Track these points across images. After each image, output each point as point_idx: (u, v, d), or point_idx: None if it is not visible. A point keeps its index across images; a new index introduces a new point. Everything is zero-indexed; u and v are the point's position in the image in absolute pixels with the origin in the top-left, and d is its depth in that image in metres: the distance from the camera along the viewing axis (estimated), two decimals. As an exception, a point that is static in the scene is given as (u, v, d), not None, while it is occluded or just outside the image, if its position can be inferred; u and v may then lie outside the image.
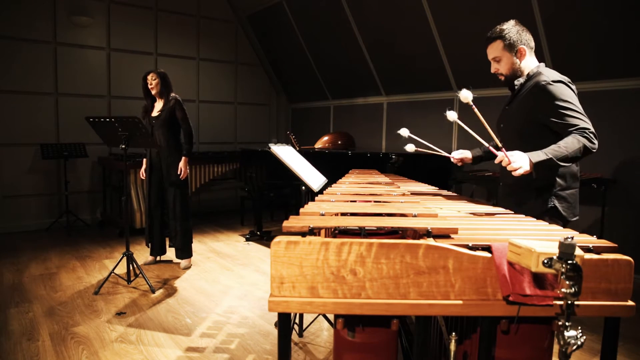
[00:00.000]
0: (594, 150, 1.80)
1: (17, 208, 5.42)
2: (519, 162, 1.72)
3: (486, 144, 2.14)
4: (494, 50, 2.04)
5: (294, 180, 2.94)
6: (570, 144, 1.77)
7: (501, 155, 1.77)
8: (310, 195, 2.71)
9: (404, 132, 2.44)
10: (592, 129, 1.82)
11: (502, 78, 2.10)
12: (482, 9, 4.19)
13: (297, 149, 4.92)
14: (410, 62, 5.27)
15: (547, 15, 3.77)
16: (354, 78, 6.20)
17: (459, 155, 2.32)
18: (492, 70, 2.12)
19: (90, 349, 2.51)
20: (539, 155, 1.75)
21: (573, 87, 1.93)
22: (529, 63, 2.05)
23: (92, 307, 3.10)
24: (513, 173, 1.73)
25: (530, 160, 1.73)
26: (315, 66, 6.66)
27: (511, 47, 2.00)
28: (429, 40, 4.81)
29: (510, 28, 2.00)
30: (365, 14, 5.35)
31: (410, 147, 2.48)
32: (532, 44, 2.05)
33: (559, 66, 3.96)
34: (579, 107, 1.87)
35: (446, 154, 2.33)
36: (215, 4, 6.90)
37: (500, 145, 1.79)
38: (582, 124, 1.81)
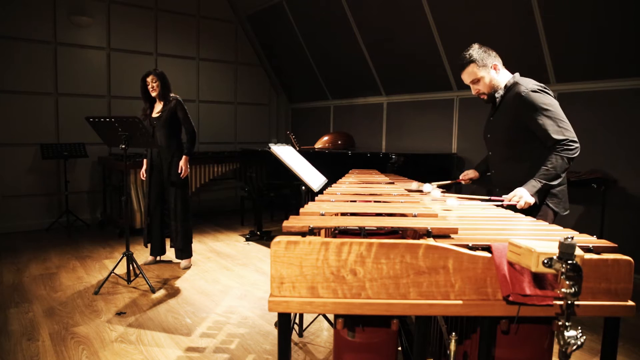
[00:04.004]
0: (577, 153, 1.98)
1: (17, 208, 5.42)
2: (517, 196, 1.94)
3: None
4: (471, 73, 2.18)
5: (294, 180, 2.94)
6: (555, 162, 1.95)
7: (505, 199, 1.96)
8: (310, 195, 2.71)
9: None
10: (572, 136, 1.98)
11: (485, 97, 2.24)
12: (482, 9, 4.18)
13: (297, 149, 4.91)
14: (410, 62, 5.26)
15: (547, 15, 3.76)
16: (354, 78, 6.19)
17: (467, 176, 2.51)
18: (474, 93, 2.25)
19: (90, 349, 2.51)
20: (534, 185, 1.95)
21: (551, 93, 2.06)
22: (504, 76, 2.20)
23: (92, 307, 3.10)
24: (518, 206, 1.93)
25: (528, 192, 1.93)
26: (315, 66, 6.65)
27: (485, 66, 2.15)
28: (429, 40, 4.81)
29: (477, 50, 2.16)
30: (365, 13, 5.34)
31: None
32: (499, 59, 2.20)
33: (559, 66, 3.96)
34: (559, 113, 2.01)
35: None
36: (215, 4, 6.89)
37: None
38: (560, 136, 1.96)
